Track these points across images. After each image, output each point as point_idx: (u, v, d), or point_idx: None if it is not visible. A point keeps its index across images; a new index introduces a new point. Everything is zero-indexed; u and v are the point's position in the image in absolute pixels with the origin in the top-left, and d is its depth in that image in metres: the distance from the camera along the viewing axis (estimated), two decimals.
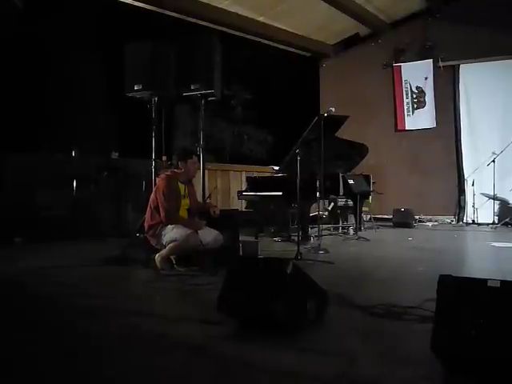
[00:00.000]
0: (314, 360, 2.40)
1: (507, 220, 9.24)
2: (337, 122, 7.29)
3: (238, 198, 8.33)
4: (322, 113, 6.76)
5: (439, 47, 10.74)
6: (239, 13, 9.89)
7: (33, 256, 6.07)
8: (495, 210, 9.66)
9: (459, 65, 10.73)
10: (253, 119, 15.70)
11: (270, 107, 14.19)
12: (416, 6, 10.98)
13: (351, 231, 8.41)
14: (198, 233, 4.77)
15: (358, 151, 8.19)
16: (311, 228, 7.36)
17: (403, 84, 11.35)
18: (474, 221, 10.05)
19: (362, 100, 11.41)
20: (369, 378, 2.16)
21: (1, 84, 8.25)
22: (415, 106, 11.26)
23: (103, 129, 10.52)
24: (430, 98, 11.04)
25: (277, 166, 7.92)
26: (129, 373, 2.26)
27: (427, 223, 10.46)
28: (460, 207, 10.65)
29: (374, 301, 3.33)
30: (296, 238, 5.81)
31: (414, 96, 11.25)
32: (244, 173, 10.53)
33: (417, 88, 11.21)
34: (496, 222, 9.48)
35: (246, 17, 10.10)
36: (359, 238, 7.53)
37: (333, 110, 6.30)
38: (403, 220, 9.81)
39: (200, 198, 5.84)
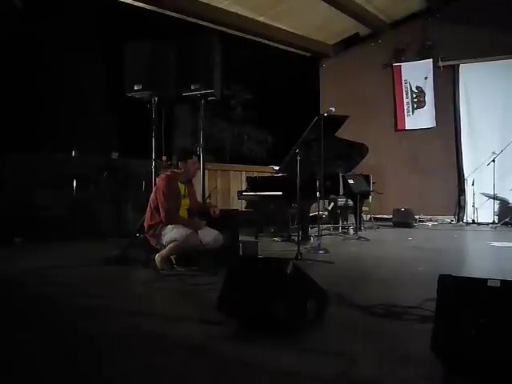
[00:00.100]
0: (314, 360, 2.40)
1: (507, 220, 9.24)
2: (337, 121, 7.29)
3: (238, 198, 8.33)
4: (321, 113, 6.77)
5: (439, 47, 10.75)
6: (239, 13, 9.90)
7: (33, 256, 6.07)
8: (495, 210, 9.67)
9: (459, 64, 10.74)
10: (253, 119, 15.69)
11: (269, 107, 14.18)
12: (416, 5, 10.98)
13: (351, 231, 8.41)
14: (197, 233, 4.78)
15: (357, 151, 8.19)
16: (311, 228, 7.36)
17: (403, 84, 11.36)
18: (474, 220, 10.05)
19: (362, 100, 11.42)
20: (369, 377, 2.16)
21: (0, 84, 8.24)
22: (415, 105, 11.27)
23: (103, 129, 10.51)
24: (429, 97, 11.05)
25: (277, 165, 7.92)
26: (129, 373, 2.26)
27: (427, 223, 10.47)
28: (460, 207, 10.66)
29: (374, 301, 3.33)
30: (296, 238, 5.81)
31: (414, 96, 11.26)
32: (244, 173, 10.53)
33: (417, 88, 11.22)
34: (496, 221, 9.49)
35: (246, 17, 10.11)
36: (359, 237, 7.53)
37: (333, 109, 6.31)
38: (403, 220, 9.81)
39: (200, 198, 5.84)
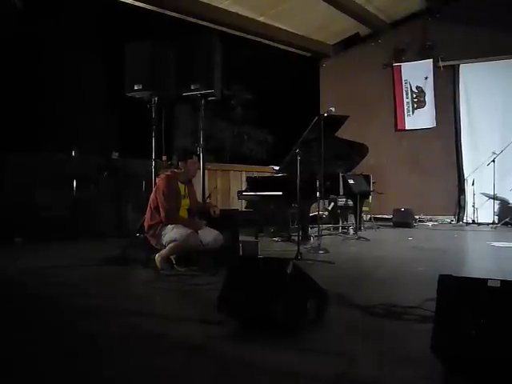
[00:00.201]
0: (314, 360, 2.40)
1: (507, 220, 9.24)
2: (337, 121, 7.29)
3: (238, 198, 8.32)
4: (322, 113, 6.77)
5: (439, 47, 10.75)
6: (239, 13, 9.89)
7: (33, 256, 6.07)
8: (495, 210, 9.66)
9: (459, 65, 10.73)
10: (253, 119, 15.67)
11: (270, 107, 14.17)
12: (416, 5, 10.98)
13: (351, 231, 8.41)
14: (198, 233, 4.78)
15: (358, 151, 8.19)
16: (311, 228, 7.36)
17: (403, 84, 11.36)
18: (474, 220, 10.05)
19: (362, 100, 11.41)
20: (369, 377, 2.16)
21: (1, 84, 8.24)
22: (415, 105, 11.26)
23: (103, 129, 10.51)
24: (430, 97, 11.05)
25: (277, 165, 7.91)
26: (129, 373, 2.26)
27: (427, 223, 10.46)
28: (460, 207, 10.66)
29: (374, 301, 3.34)
30: (296, 238, 5.81)
31: (414, 96, 11.25)
32: (244, 173, 10.53)
33: (417, 88, 11.21)
34: (496, 221, 9.48)
35: (247, 17, 10.10)
36: (359, 237, 7.53)
37: (333, 109, 6.31)
38: (403, 220, 9.81)
39: (200, 198, 5.84)
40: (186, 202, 4.98)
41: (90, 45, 10.26)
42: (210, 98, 6.34)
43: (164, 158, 6.45)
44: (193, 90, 6.13)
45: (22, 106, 9.08)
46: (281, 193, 7.16)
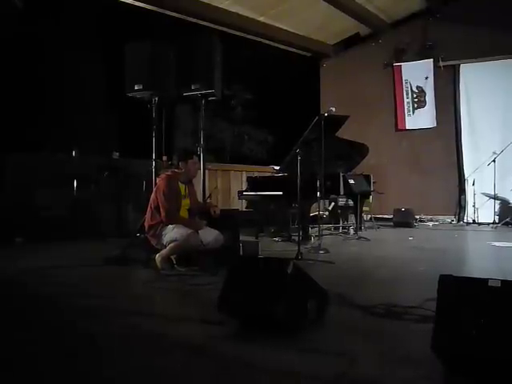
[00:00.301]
0: (315, 360, 2.40)
1: (508, 220, 9.23)
2: (337, 121, 7.28)
3: (239, 198, 8.32)
4: (322, 113, 6.76)
5: (439, 47, 10.74)
6: (240, 13, 9.90)
7: (33, 256, 6.07)
8: (496, 210, 9.65)
9: (460, 64, 10.73)
10: (253, 119, 15.68)
11: (270, 107, 14.17)
12: (416, 5, 10.98)
13: (351, 231, 8.40)
14: (198, 233, 4.77)
15: (358, 151, 8.18)
16: (312, 228, 7.35)
17: (403, 84, 11.36)
18: (474, 220, 10.04)
19: (363, 100, 11.41)
20: (369, 377, 2.16)
21: (1, 84, 8.24)
22: (415, 105, 11.26)
23: (103, 129, 10.51)
24: (430, 97, 11.05)
25: (277, 165, 7.91)
26: (129, 373, 2.26)
27: (428, 223, 10.46)
28: (460, 207, 10.65)
29: (375, 301, 3.33)
30: (296, 238, 5.81)
31: (415, 96, 11.25)
32: (244, 173, 10.53)
33: (417, 88, 11.21)
34: (496, 221, 9.47)
35: (247, 17, 10.11)
36: (360, 237, 7.53)
37: (333, 109, 6.30)
38: (404, 220, 9.81)
39: (200, 198, 5.83)
40: (186, 202, 4.98)
41: (90, 45, 10.26)
42: (210, 98, 6.33)
43: (164, 158, 6.46)
44: (193, 90, 6.12)
45: (23, 106, 9.08)
46: (281, 193, 7.16)
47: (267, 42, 11.29)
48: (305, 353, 2.47)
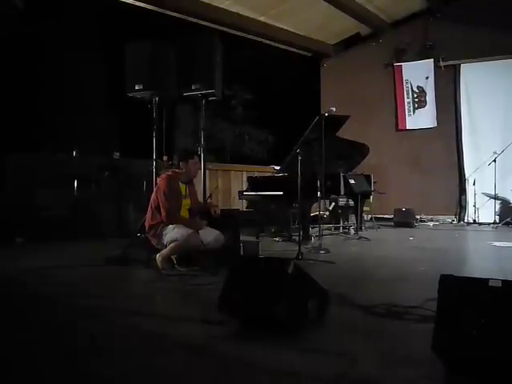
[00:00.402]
0: (315, 360, 2.39)
1: (508, 219, 9.23)
2: (338, 121, 7.28)
3: (239, 198, 8.32)
4: (322, 113, 6.76)
5: (440, 47, 10.74)
6: (240, 13, 9.90)
7: (33, 256, 6.08)
8: (496, 210, 9.65)
9: (460, 64, 10.73)
10: (254, 119, 15.67)
11: (270, 107, 14.16)
12: (417, 5, 10.98)
13: (352, 231, 8.40)
14: (198, 233, 4.77)
15: (358, 151, 8.18)
16: (312, 228, 7.35)
17: (404, 84, 11.35)
18: (475, 220, 10.04)
19: (363, 100, 11.41)
20: (370, 377, 2.16)
21: (1, 84, 8.24)
22: (416, 105, 11.26)
23: (104, 129, 10.51)
24: (430, 97, 11.04)
25: (278, 165, 7.91)
26: (129, 373, 2.26)
27: (428, 223, 10.46)
28: (461, 207, 10.65)
29: (375, 300, 3.33)
30: (297, 238, 5.80)
31: (415, 95, 11.25)
32: (245, 173, 10.53)
33: (418, 87, 11.21)
34: (497, 221, 9.47)
35: (247, 17, 10.11)
36: (360, 237, 7.53)
37: (334, 109, 6.30)
38: (404, 220, 9.80)
39: (201, 198, 5.83)
40: (186, 202, 4.98)
41: (90, 45, 10.26)
42: (210, 98, 6.33)
43: (165, 158, 6.46)
44: (193, 90, 6.12)
45: (23, 106, 9.08)
46: (282, 193, 7.16)
47: (268, 41, 11.29)
48: (305, 353, 2.47)
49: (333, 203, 9.30)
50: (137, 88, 5.97)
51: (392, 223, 9.98)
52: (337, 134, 7.62)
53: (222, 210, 5.27)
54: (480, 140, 10.45)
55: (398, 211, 9.96)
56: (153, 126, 6.16)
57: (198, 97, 6.26)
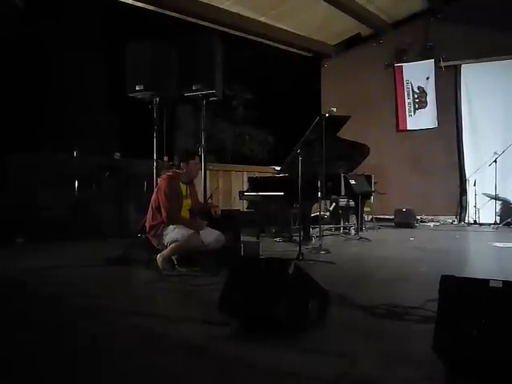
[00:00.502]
0: (316, 360, 2.39)
1: (509, 220, 9.23)
2: (338, 122, 7.28)
3: (240, 199, 8.32)
4: (323, 113, 6.76)
5: (441, 47, 10.74)
6: (240, 13, 9.90)
7: (34, 256, 6.07)
8: (497, 210, 9.64)
9: (461, 65, 10.72)
10: (254, 119, 15.67)
11: (271, 107, 14.17)
12: (417, 6, 10.97)
13: (353, 231, 8.39)
14: (199, 233, 4.77)
15: (359, 151, 8.17)
16: (313, 228, 7.35)
17: (405, 84, 11.35)
18: (475, 221, 10.03)
19: (364, 100, 11.40)
20: (370, 378, 2.15)
21: (2, 84, 8.24)
22: (417, 106, 11.26)
23: (105, 129, 10.52)
24: (431, 98, 11.04)
25: (278, 166, 7.91)
26: (129, 373, 2.26)
27: (429, 223, 10.45)
28: (462, 207, 10.65)
29: (376, 301, 3.33)
30: (297, 239, 5.80)
31: (416, 96, 11.25)
32: (245, 173, 10.52)
33: (418, 88, 11.21)
34: (498, 222, 9.46)
35: (248, 17, 10.11)
36: (361, 238, 7.52)
37: (334, 110, 6.30)
38: (405, 220, 9.80)
39: (201, 199, 5.83)
40: (187, 203, 4.98)
41: (91, 45, 10.27)
42: (211, 99, 6.32)
43: (166, 158, 6.44)
44: (194, 91, 6.11)
45: (24, 106, 9.09)
46: (282, 193, 7.15)
47: (268, 42, 11.29)
48: (306, 353, 2.47)
49: (333, 204, 9.29)
50: (137, 88, 5.96)
51: (393, 224, 9.97)
52: (337, 135, 7.62)
53: (222, 211, 5.26)
54: (481, 140, 10.44)
55: (398, 212, 9.96)
56: (153, 126, 6.15)
57: (199, 97, 6.25)
